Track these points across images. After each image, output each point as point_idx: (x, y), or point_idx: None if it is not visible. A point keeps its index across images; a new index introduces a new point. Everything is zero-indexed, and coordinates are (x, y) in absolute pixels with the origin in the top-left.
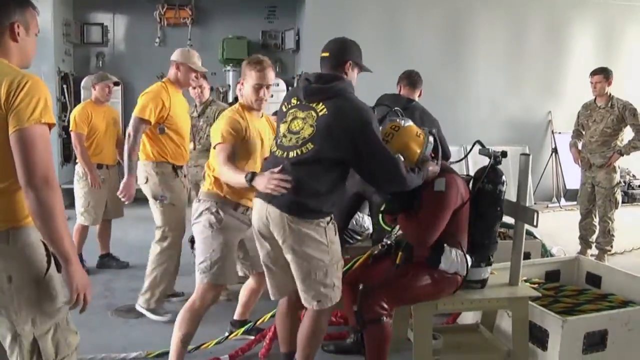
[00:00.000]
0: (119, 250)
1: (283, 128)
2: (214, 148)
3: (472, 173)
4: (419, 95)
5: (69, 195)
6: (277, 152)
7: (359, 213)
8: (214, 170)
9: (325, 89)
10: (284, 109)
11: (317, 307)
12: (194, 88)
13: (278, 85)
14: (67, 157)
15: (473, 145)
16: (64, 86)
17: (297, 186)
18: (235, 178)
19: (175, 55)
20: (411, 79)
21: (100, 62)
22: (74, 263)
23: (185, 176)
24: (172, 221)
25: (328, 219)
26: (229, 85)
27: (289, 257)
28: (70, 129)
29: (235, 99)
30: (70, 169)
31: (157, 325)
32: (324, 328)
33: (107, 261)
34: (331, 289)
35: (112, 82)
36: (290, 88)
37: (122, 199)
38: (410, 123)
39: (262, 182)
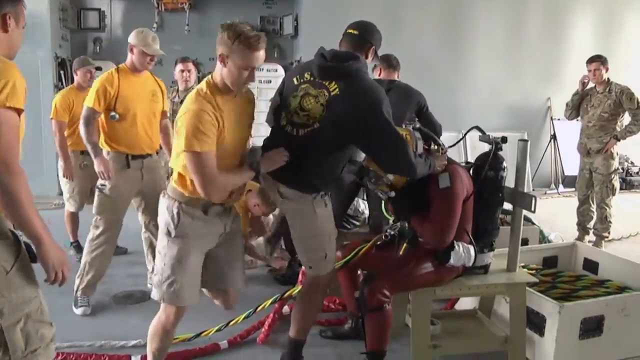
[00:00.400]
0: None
1: (294, 103)
2: (184, 152)
3: (470, 158)
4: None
5: None
6: (287, 128)
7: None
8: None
9: (340, 68)
10: (295, 82)
11: (309, 272)
12: (182, 71)
13: (277, 71)
14: None
15: (469, 130)
16: (61, 72)
17: (296, 162)
18: (236, 180)
19: (130, 37)
20: (390, 61)
21: (98, 47)
22: (47, 243)
23: (166, 164)
24: (105, 212)
25: (317, 194)
26: None
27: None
28: (50, 116)
29: None
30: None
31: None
32: (315, 305)
33: None
34: (322, 259)
35: (94, 67)
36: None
37: (104, 180)
38: None
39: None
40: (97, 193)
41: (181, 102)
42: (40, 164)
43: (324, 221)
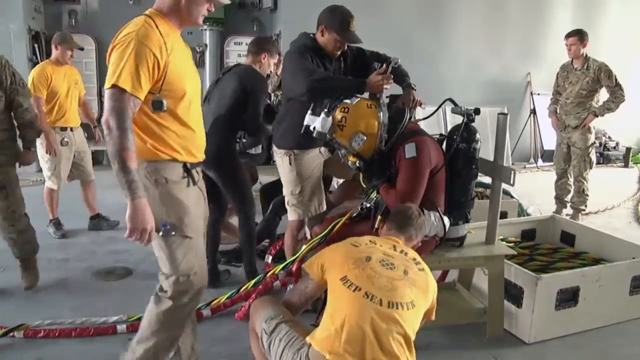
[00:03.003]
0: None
1: None
2: None
3: (444, 132)
4: None
5: None
6: None
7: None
8: None
9: None
10: None
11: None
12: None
13: None
14: None
15: (443, 103)
16: (35, 45)
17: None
18: None
19: None
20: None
21: (73, 20)
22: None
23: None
24: (189, 263)
25: (283, 151)
26: (206, 45)
27: None
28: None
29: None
30: None
31: (138, 288)
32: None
33: (98, 222)
34: (297, 207)
35: (77, 47)
36: None
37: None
38: (358, 99)
39: None
40: (161, 238)
41: None
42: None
43: (291, 178)
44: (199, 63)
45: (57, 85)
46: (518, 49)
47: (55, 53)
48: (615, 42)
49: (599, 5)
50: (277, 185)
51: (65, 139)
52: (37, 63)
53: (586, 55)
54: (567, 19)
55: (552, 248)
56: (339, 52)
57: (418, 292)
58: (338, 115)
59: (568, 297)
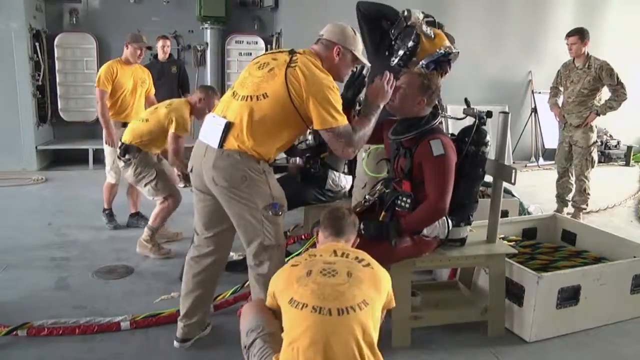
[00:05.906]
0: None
1: None
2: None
3: (448, 131)
4: None
5: (45, 156)
6: None
7: (335, 172)
8: None
9: None
10: None
11: None
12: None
13: (257, 43)
14: (43, 117)
15: (468, 104)
16: (37, 44)
17: None
18: None
19: None
20: None
21: (74, 19)
22: None
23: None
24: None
25: None
26: (207, 43)
27: None
28: (96, 85)
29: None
30: (47, 130)
31: (138, 286)
32: None
33: (136, 220)
34: None
35: (146, 46)
36: (268, 46)
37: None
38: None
39: None
40: (274, 216)
41: None
42: (17, 139)
43: None
44: (200, 62)
45: (122, 82)
46: (519, 48)
47: (125, 51)
48: (616, 40)
49: (599, 4)
50: (280, 183)
51: None
52: (38, 62)
53: (587, 54)
54: (568, 18)
55: (553, 247)
56: None
57: (368, 289)
58: (439, 39)
59: (569, 296)
